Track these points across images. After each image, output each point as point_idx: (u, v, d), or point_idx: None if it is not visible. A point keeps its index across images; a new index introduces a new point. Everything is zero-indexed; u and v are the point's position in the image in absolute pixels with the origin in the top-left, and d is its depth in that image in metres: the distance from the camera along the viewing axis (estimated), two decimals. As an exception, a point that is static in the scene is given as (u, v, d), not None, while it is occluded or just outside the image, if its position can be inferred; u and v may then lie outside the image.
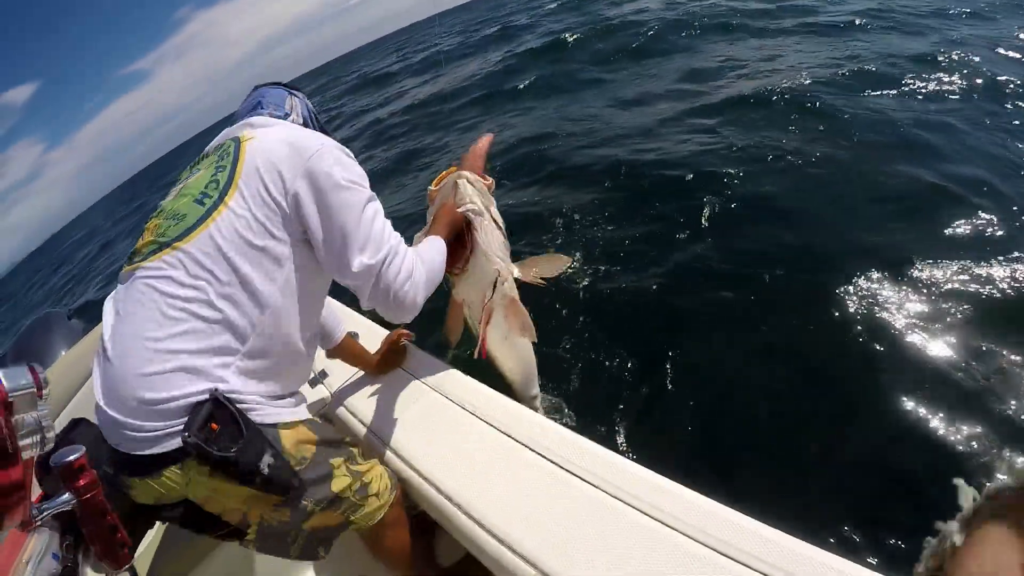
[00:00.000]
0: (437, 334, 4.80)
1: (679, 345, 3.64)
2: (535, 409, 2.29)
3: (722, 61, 9.65)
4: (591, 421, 3.32)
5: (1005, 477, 0.46)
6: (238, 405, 1.31)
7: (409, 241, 1.66)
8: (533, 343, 2.23)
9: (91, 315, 3.52)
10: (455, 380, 2.04)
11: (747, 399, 3.20)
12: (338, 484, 1.52)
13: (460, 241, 1.89)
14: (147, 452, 1.27)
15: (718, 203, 5.03)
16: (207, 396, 1.27)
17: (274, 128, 1.54)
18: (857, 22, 10.28)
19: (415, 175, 9.14)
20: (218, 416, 1.26)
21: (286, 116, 1.74)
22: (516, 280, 2.05)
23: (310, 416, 1.60)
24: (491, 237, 1.88)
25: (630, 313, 4.15)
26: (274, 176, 1.40)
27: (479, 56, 18.20)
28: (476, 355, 2.07)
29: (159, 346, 1.27)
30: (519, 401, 1.93)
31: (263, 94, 1.82)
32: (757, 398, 3.18)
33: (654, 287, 4.29)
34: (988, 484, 0.48)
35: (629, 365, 3.64)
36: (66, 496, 1.37)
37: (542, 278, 2.07)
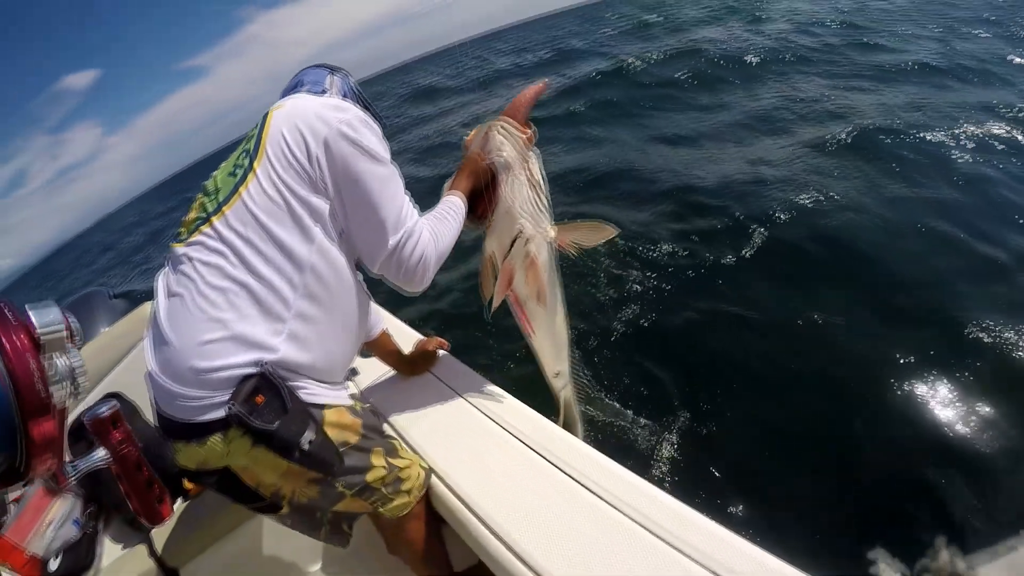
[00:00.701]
0: (467, 340, 4.89)
1: (718, 377, 3.66)
2: (559, 388, 2.22)
3: (786, 97, 9.49)
4: (622, 440, 3.36)
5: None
6: (288, 383, 1.35)
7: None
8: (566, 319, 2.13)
9: (133, 300, 3.64)
10: (483, 389, 2.05)
11: (787, 438, 3.19)
12: (373, 475, 1.55)
13: (487, 193, 1.85)
14: (195, 420, 1.31)
15: (774, 240, 5.05)
16: (256, 370, 1.31)
17: (304, 98, 1.57)
18: (932, 64, 9.98)
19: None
20: (264, 390, 1.30)
21: (323, 93, 1.75)
22: (551, 243, 1.91)
23: (355, 399, 1.65)
24: (517, 191, 1.79)
25: (675, 337, 4.20)
26: (297, 138, 1.43)
27: (534, 77, 18.12)
28: (487, 315, 2.00)
29: (209, 316, 1.32)
30: (545, 373, 2.01)
31: (304, 74, 1.86)
32: (796, 437, 3.18)
33: (695, 317, 4.32)
34: None
35: (666, 390, 3.67)
36: (101, 452, 1.42)
37: (579, 246, 1.92)
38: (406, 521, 1.73)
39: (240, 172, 1.44)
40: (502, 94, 17.57)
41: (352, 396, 1.65)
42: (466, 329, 5.19)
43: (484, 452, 1.76)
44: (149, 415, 2.43)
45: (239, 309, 1.33)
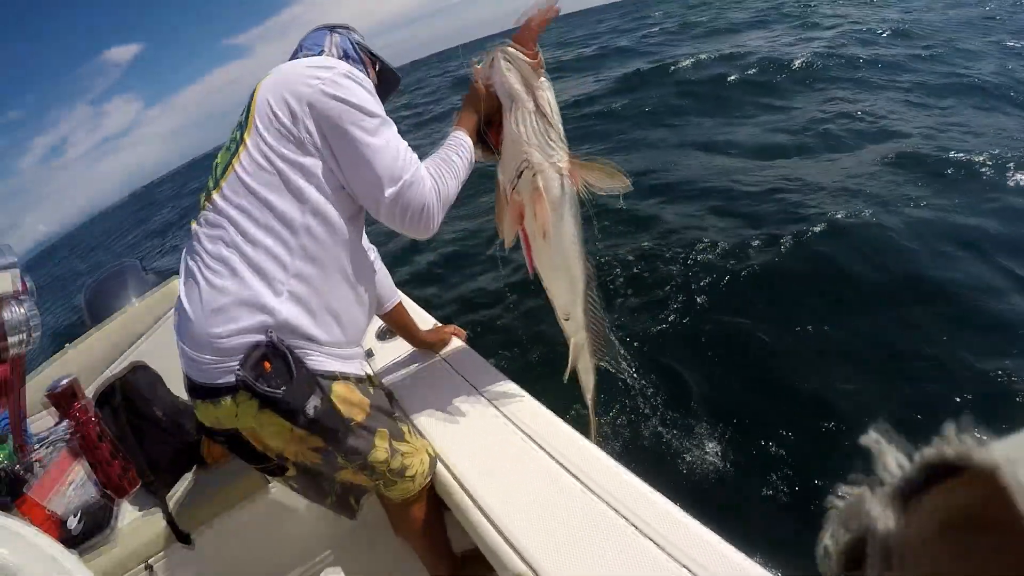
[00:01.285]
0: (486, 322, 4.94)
1: (759, 390, 3.60)
2: (571, 333, 2.06)
3: (831, 108, 8.99)
4: (639, 443, 3.36)
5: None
6: (295, 351, 1.41)
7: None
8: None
9: (164, 275, 3.74)
10: (497, 382, 2.08)
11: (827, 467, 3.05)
12: (374, 456, 1.58)
13: (494, 123, 1.78)
14: (210, 383, 1.40)
15: (808, 254, 4.91)
16: (264, 338, 1.38)
17: (291, 64, 1.57)
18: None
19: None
20: (271, 357, 1.37)
21: (320, 55, 1.72)
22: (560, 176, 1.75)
23: (368, 375, 1.68)
24: (523, 120, 1.65)
25: (705, 344, 4.14)
26: (281, 104, 1.45)
27: (581, 73, 17.47)
28: (497, 248, 1.92)
29: (214, 285, 1.39)
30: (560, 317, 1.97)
31: (305, 39, 1.83)
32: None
33: (726, 325, 4.26)
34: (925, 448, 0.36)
35: (695, 397, 3.63)
36: (64, 424, 1.47)
37: (591, 187, 1.74)
38: (410, 503, 1.78)
39: (234, 146, 1.48)
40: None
41: (366, 375, 1.68)
42: (487, 311, 5.28)
43: (490, 444, 1.79)
44: (173, 385, 2.53)
45: (240, 275, 1.39)
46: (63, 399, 1.40)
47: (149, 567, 2.15)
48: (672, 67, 13.56)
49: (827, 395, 3.37)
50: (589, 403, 2.21)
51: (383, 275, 2.15)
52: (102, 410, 2.52)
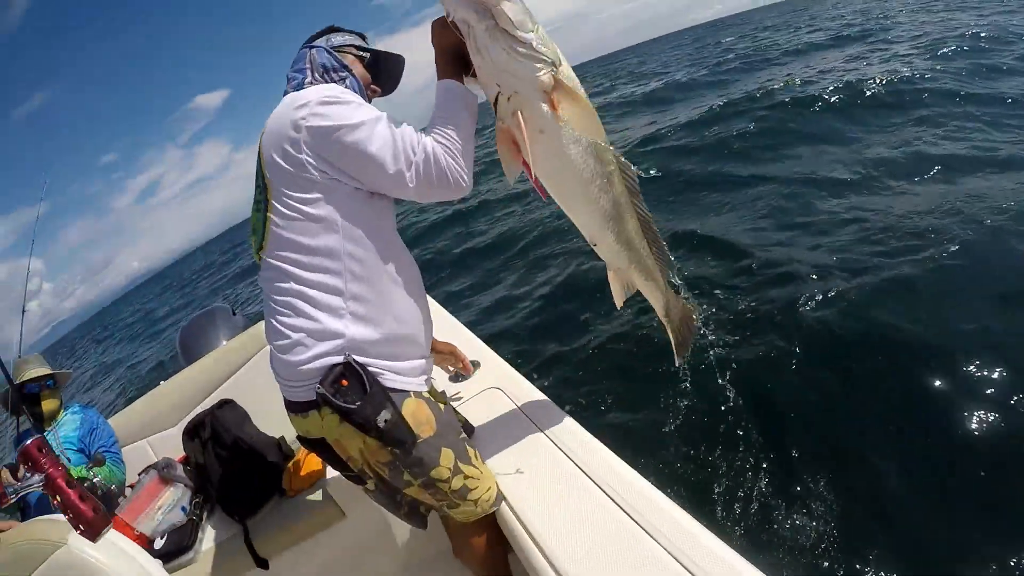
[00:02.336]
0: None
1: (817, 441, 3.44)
2: (607, 259, 1.85)
3: (914, 137, 7.88)
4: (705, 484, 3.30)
5: None
6: (369, 368, 1.54)
7: None
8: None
9: (252, 319, 4.04)
10: (562, 423, 2.07)
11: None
12: (438, 472, 1.63)
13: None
14: (296, 399, 1.59)
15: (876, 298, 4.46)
16: (342, 358, 1.52)
17: (276, 112, 1.61)
18: None
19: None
20: (348, 375, 1.51)
21: (303, 82, 1.75)
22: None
23: (439, 395, 1.80)
24: (482, 44, 1.46)
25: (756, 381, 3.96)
26: (283, 156, 1.53)
27: (658, 108, 16.54)
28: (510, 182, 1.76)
29: (283, 324, 1.56)
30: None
31: (292, 64, 1.84)
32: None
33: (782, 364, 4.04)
34: None
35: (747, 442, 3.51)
36: (36, 477, 1.68)
37: (572, 121, 1.52)
38: (472, 530, 1.85)
39: (260, 206, 1.61)
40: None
41: (438, 393, 1.80)
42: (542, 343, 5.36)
43: (555, 488, 1.78)
44: (258, 420, 2.77)
45: (305, 314, 1.53)
46: (30, 455, 1.62)
47: None
48: (747, 97, 12.82)
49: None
50: (665, 325, 2.05)
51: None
52: (191, 442, 2.78)
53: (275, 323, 1.59)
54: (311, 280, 1.55)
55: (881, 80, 10.68)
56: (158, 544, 2.46)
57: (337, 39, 1.84)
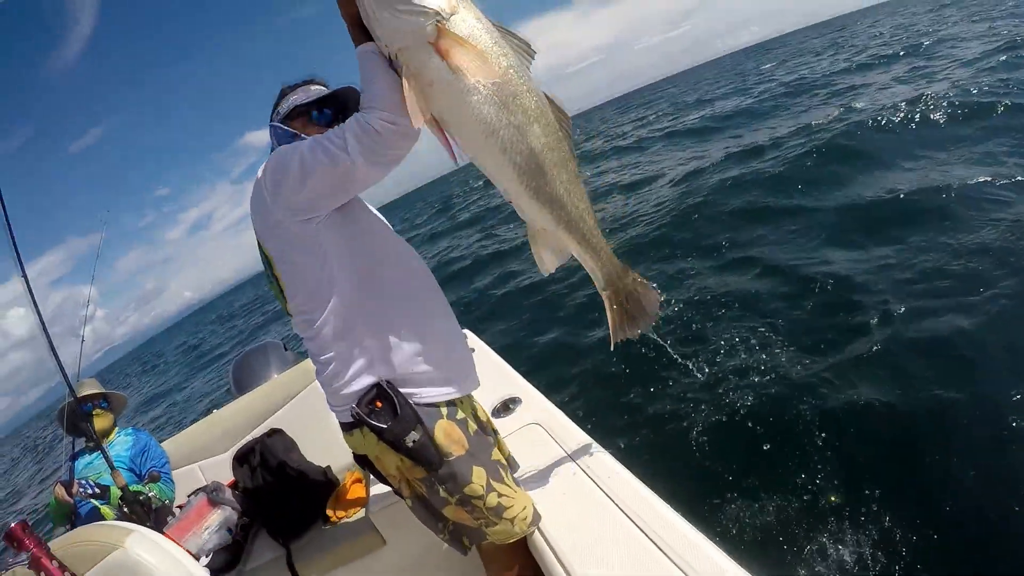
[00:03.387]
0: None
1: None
2: (539, 230, 1.66)
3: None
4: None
5: None
6: (401, 390, 1.65)
7: None
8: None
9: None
10: (595, 455, 2.10)
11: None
12: (471, 489, 1.67)
13: None
14: (342, 420, 1.74)
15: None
16: (374, 380, 1.65)
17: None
18: None
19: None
20: (381, 397, 1.64)
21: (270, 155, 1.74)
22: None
23: (481, 412, 1.92)
24: (375, 8, 1.36)
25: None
26: (268, 239, 1.67)
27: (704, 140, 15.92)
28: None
29: (323, 362, 1.71)
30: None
31: None
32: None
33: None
34: None
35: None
36: (23, 555, 1.83)
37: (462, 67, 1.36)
38: (505, 563, 1.92)
39: (271, 278, 1.77)
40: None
41: (482, 410, 1.92)
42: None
43: (596, 528, 1.78)
44: (306, 450, 2.92)
45: (336, 355, 1.68)
46: (15, 536, 1.79)
47: None
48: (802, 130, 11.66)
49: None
50: (604, 299, 1.81)
51: None
52: (240, 467, 2.94)
53: (315, 363, 1.75)
54: (326, 333, 1.67)
55: (940, 99, 9.98)
56: (203, 562, 2.58)
57: (284, 106, 1.86)
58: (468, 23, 1.36)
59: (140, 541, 1.71)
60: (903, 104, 10.43)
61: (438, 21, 1.33)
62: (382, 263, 1.74)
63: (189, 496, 3.28)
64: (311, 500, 2.65)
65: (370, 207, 1.86)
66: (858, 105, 12.04)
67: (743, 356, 4.67)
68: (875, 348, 4.23)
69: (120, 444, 3.45)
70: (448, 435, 1.69)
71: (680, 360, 4.78)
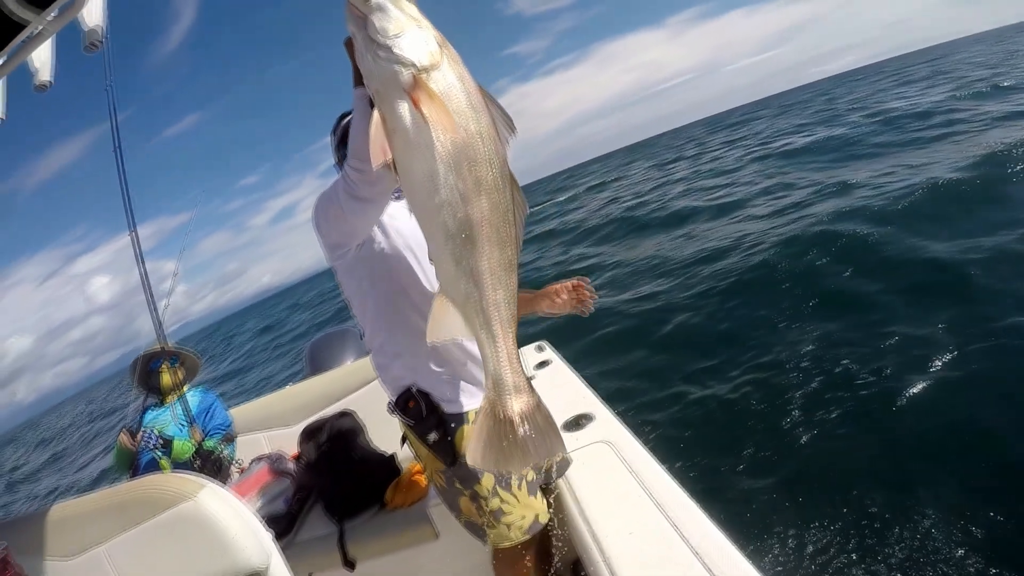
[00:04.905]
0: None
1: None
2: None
3: None
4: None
5: None
6: (430, 396, 1.83)
7: None
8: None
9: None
10: (657, 477, 2.09)
11: None
12: (480, 488, 1.85)
13: None
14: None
15: None
16: (409, 383, 1.83)
17: None
18: None
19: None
20: (415, 398, 1.83)
21: None
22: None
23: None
24: (364, 54, 1.34)
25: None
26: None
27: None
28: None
29: (374, 363, 1.97)
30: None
31: None
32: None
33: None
34: None
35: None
36: None
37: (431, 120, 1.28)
38: (506, 558, 2.02)
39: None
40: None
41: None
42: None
43: (650, 548, 1.78)
44: (374, 436, 2.96)
45: (376, 363, 1.95)
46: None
47: None
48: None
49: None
50: (485, 404, 1.46)
51: None
52: (307, 442, 2.98)
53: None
54: (371, 340, 1.93)
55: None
56: (258, 528, 2.65)
57: (340, 130, 1.94)
58: (447, 80, 1.32)
59: (212, 496, 1.74)
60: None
61: (415, 72, 1.29)
62: (406, 291, 1.87)
63: (251, 462, 3.37)
64: (371, 484, 2.67)
65: (403, 229, 1.90)
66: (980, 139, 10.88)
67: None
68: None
69: (187, 402, 3.56)
70: (467, 440, 1.71)
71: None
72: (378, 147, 1.32)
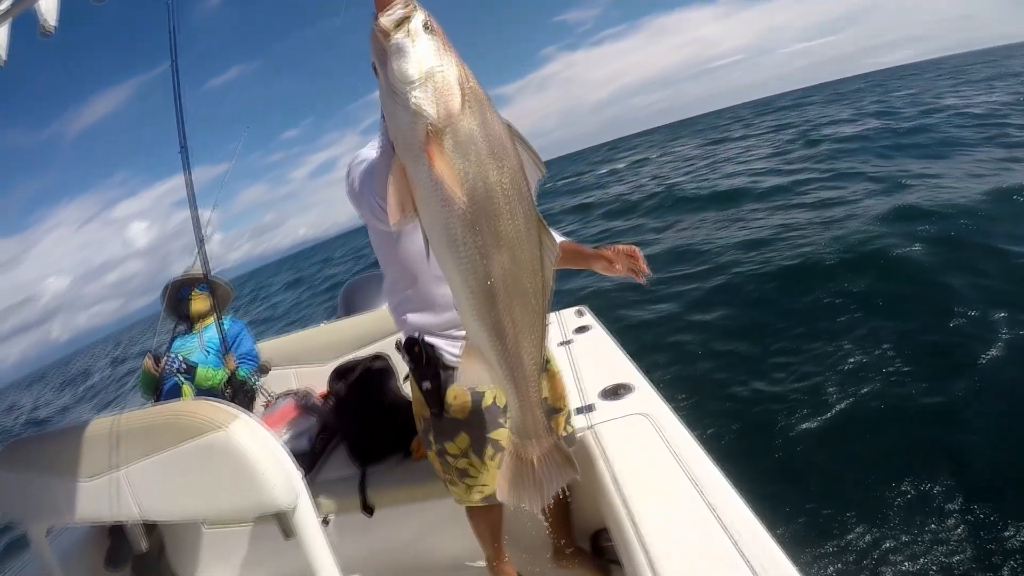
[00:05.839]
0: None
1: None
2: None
3: None
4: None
5: None
6: (434, 347, 1.89)
7: None
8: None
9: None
10: (698, 460, 2.01)
11: None
12: (450, 447, 1.93)
13: None
14: None
15: None
16: (416, 334, 1.90)
17: None
18: None
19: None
20: (420, 345, 1.89)
21: None
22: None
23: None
24: (384, 97, 1.27)
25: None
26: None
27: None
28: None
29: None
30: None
31: None
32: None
33: None
34: None
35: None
36: None
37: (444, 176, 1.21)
38: (471, 513, 2.19)
39: None
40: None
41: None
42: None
43: (687, 530, 1.72)
44: (403, 383, 2.86)
45: (391, 308, 2.03)
46: None
47: (326, 520, 2.43)
48: None
49: None
50: (508, 448, 1.58)
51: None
52: (337, 381, 2.89)
53: None
54: (388, 289, 1.98)
55: None
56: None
57: None
58: (467, 131, 1.23)
59: (244, 427, 1.67)
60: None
61: (429, 127, 1.21)
62: (427, 264, 1.69)
63: (278, 396, 3.31)
64: (399, 431, 2.57)
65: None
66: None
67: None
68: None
69: (222, 329, 3.53)
70: (456, 398, 1.88)
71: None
72: (396, 203, 1.31)
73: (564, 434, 2.12)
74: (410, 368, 1.93)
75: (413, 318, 1.90)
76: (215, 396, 3.22)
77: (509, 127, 1.24)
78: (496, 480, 1.59)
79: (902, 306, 5.34)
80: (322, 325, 3.78)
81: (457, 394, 1.87)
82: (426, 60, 1.19)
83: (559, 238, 2.24)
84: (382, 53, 1.20)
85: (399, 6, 1.18)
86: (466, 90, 1.20)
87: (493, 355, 1.39)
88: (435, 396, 1.88)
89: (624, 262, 2.15)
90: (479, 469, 1.92)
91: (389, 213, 1.28)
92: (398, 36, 1.18)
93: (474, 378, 1.42)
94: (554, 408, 2.09)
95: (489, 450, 1.91)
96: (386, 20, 1.17)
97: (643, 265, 2.14)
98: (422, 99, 1.21)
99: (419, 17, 1.19)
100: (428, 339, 1.88)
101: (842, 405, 4.13)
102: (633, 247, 2.17)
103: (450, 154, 1.21)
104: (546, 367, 2.08)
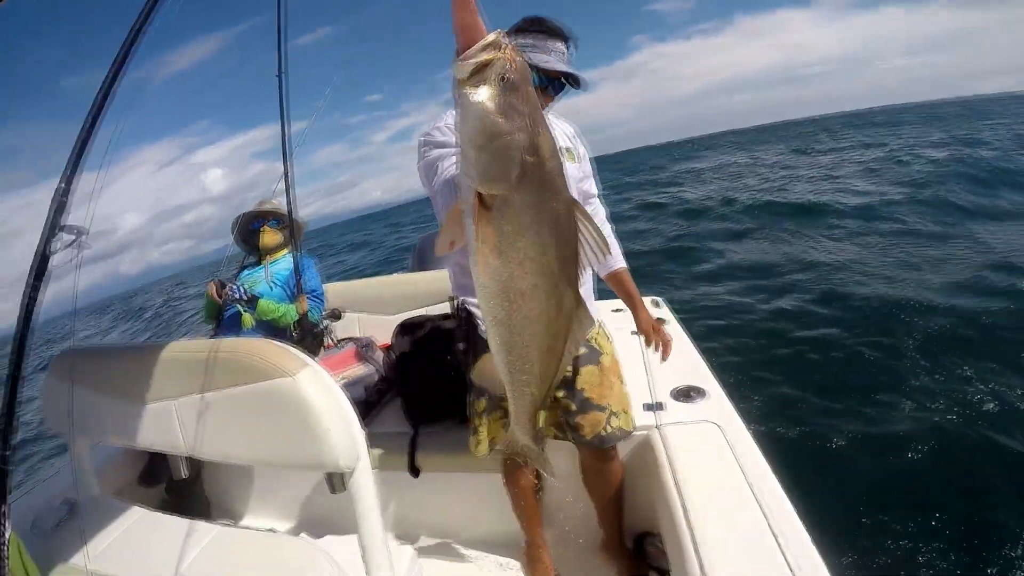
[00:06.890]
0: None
1: None
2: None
3: None
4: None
5: None
6: (474, 317, 2.02)
7: None
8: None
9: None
10: (760, 469, 1.97)
11: None
12: (471, 401, 2.13)
13: None
14: None
15: None
16: (464, 298, 2.04)
17: None
18: None
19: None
20: (466, 309, 2.05)
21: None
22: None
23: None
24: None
25: None
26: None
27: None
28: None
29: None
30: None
31: None
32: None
33: None
34: None
35: None
36: None
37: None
38: (506, 481, 2.27)
39: None
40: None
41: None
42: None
43: (745, 547, 1.66)
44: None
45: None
46: None
47: None
48: None
49: None
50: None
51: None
52: (403, 336, 2.81)
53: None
54: (447, 257, 2.22)
55: None
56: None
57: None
58: (515, 206, 1.15)
59: (311, 377, 1.56)
60: None
61: (480, 194, 1.16)
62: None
63: (340, 340, 3.26)
64: (458, 395, 2.46)
65: None
66: None
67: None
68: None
69: (284, 263, 3.52)
70: (482, 364, 1.65)
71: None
72: (446, 237, 1.27)
73: (604, 433, 2.04)
74: (458, 326, 2.09)
75: (461, 280, 2.02)
76: (281, 335, 3.21)
77: (575, 204, 1.16)
78: (496, 434, 2.10)
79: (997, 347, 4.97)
80: (395, 275, 3.73)
81: (486, 362, 1.79)
82: (491, 125, 1.08)
83: (619, 263, 2.31)
84: (455, 97, 1.12)
85: (484, 47, 1.05)
86: (528, 164, 1.10)
87: (504, 370, 1.42)
88: (468, 356, 2.04)
89: (654, 341, 2.28)
90: (480, 426, 2.11)
91: (437, 244, 1.27)
92: (468, 89, 1.07)
93: (489, 381, 1.48)
94: (597, 406, 2.06)
95: (497, 413, 2.09)
96: (462, 67, 1.05)
97: (664, 352, 2.27)
98: (481, 165, 1.13)
99: (498, 67, 1.05)
100: (468, 305, 2.01)
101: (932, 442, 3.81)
102: (669, 339, 2.29)
103: (496, 223, 1.16)
104: (596, 361, 2.10)
